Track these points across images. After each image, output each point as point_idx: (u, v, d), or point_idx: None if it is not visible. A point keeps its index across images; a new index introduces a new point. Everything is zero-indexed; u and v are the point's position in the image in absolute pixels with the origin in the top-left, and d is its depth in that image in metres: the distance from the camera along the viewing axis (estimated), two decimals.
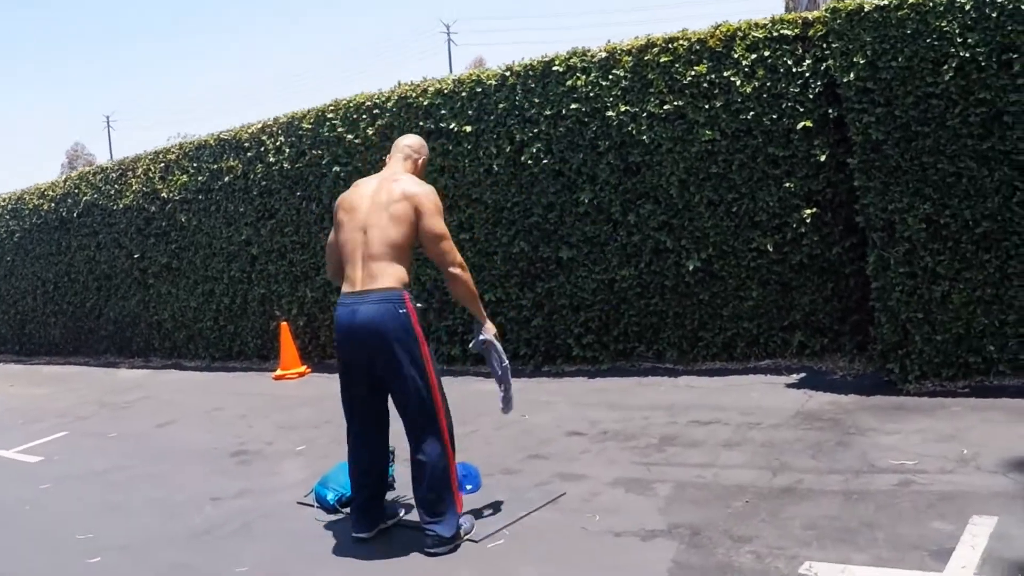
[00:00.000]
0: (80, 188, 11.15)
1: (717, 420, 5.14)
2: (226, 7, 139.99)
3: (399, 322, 3.69)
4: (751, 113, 5.80)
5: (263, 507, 4.65)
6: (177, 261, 10.04)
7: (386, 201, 3.83)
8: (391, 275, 3.74)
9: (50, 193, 11.69)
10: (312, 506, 4.50)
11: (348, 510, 4.21)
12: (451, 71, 8.25)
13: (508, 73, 6.83)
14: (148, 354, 10.92)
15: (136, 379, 9.81)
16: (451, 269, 3.89)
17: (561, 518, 3.99)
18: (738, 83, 5.81)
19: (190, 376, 9.51)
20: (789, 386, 5.66)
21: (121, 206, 10.51)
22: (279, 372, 8.46)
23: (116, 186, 10.57)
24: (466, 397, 6.46)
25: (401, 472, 4.72)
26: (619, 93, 6.26)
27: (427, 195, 3.86)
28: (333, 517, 4.32)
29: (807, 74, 5.64)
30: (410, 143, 4.30)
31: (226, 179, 9.16)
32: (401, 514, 4.18)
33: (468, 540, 3.81)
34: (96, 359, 11.63)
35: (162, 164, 9.95)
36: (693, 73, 5.95)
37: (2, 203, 12.73)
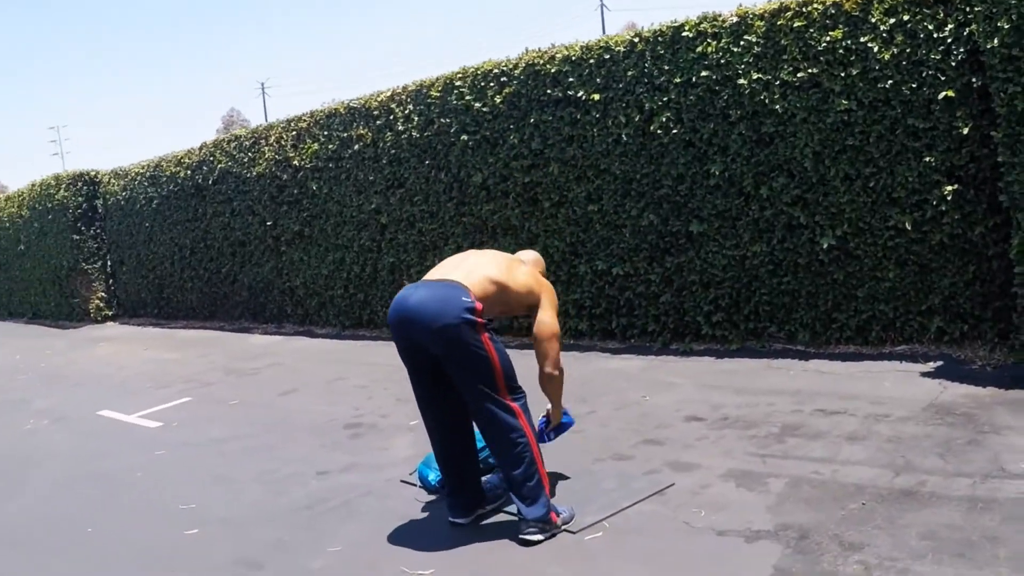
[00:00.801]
0: (215, 156, 12.21)
1: (844, 410, 5.31)
2: None
3: (456, 307, 3.91)
4: (889, 82, 5.95)
5: (367, 484, 5.10)
6: (309, 229, 10.92)
7: (508, 262, 4.28)
8: (470, 283, 4.03)
9: (186, 160, 12.83)
10: (415, 485, 4.91)
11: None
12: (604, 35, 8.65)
13: (637, 39, 7.17)
14: (281, 320, 11.92)
15: (266, 345, 10.76)
16: (549, 370, 4.24)
17: (665, 511, 4.18)
18: (876, 49, 5.97)
19: (319, 344, 10.37)
20: (924, 375, 5.79)
21: (255, 174, 11.48)
22: None
23: (250, 154, 11.55)
24: (589, 375, 6.95)
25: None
26: (751, 60, 6.52)
27: (550, 290, 4.34)
28: (434, 498, 4.72)
29: (949, 40, 5.74)
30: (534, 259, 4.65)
31: (356, 147, 9.91)
32: (503, 498, 4.49)
33: (566, 531, 4.06)
34: (231, 324, 12.75)
35: (294, 132, 10.81)
36: (828, 39, 6.15)
37: (141, 170, 14.03)
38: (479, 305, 3.93)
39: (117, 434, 7.30)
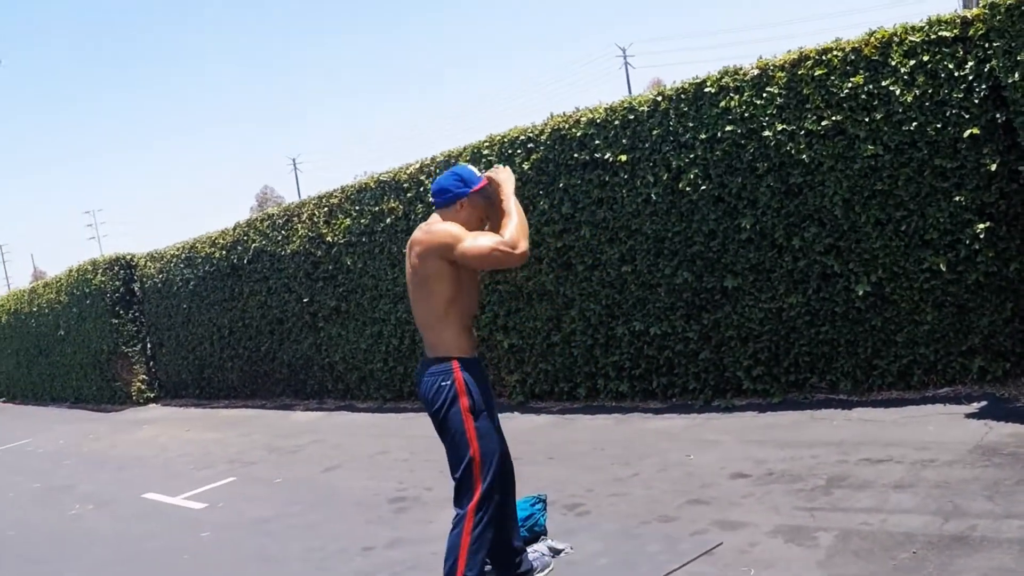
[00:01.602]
0: (249, 235, 12.51)
1: (889, 457, 5.35)
2: (404, 47, 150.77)
3: (444, 394, 4.01)
4: (914, 123, 6.05)
5: (413, 558, 5.19)
6: (345, 304, 11.11)
7: (410, 273, 4.12)
8: (440, 344, 4.08)
9: (221, 241, 13.15)
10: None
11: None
12: (630, 93, 8.89)
13: (660, 98, 7.34)
14: (322, 396, 12.08)
15: (309, 422, 10.90)
16: (515, 251, 3.96)
17: (714, 572, 4.25)
18: (898, 92, 6.08)
19: (361, 418, 10.50)
20: (968, 416, 5.81)
21: (289, 251, 11.74)
22: None
23: (283, 232, 11.82)
24: (632, 437, 7.03)
25: (558, 520, 5.32)
26: (774, 111, 6.65)
27: (438, 231, 4.03)
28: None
29: (970, 77, 5.84)
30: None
31: (388, 220, 10.12)
32: (536, 570, 4.52)
33: None
34: (272, 401, 12.94)
35: (326, 208, 11.06)
36: (850, 85, 6.27)
37: (176, 252, 14.39)
38: (458, 375, 4.03)
39: (162, 516, 7.45)
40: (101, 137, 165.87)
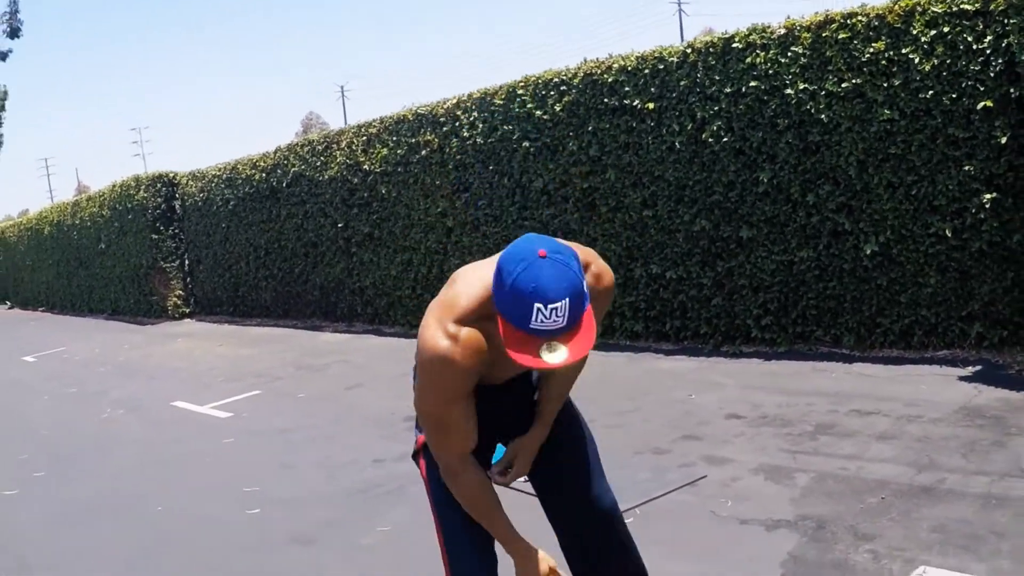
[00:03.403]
0: (289, 159, 13.02)
1: (878, 411, 5.68)
2: None
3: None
4: (930, 92, 6.33)
5: (418, 472, 5.80)
6: (378, 231, 11.62)
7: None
8: None
9: (261, 164, 13.67)
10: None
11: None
12: (682, 40, 9.19)
13: (689, 50, 7.66)
14: (352, 319, 12.66)
15: (336, 343, 11.50)
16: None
17: (695, 501, 4.61)
18: (917, 60, 6.36)
19: (387, 342, 11.05)
20: (961, 379, 6.12)
21: (326, 177, 12.24)
22: None
23: (322, 158, 12.31)
24: (640, 375, 7.47)
25: None
26: (797, 70, 6.95)
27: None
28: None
29: (988, 51, 6.09)
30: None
31: (423, 152, 10.56)
32: None
33: None
34: (303, 322, 13.57)
35: (364, 137, 11.52)
36: (871, 50, 6.55)
37: (218, 172, 14.94)
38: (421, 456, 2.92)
39: (188, 423, 8.09)
40: (151, 55, 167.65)
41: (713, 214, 7.71)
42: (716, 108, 7.50)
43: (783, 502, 4.44)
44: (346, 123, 12.04)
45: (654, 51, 7.98)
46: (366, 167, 11.51)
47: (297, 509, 5.40)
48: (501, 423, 2.78)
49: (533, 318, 2.14)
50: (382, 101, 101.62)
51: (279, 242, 13.70)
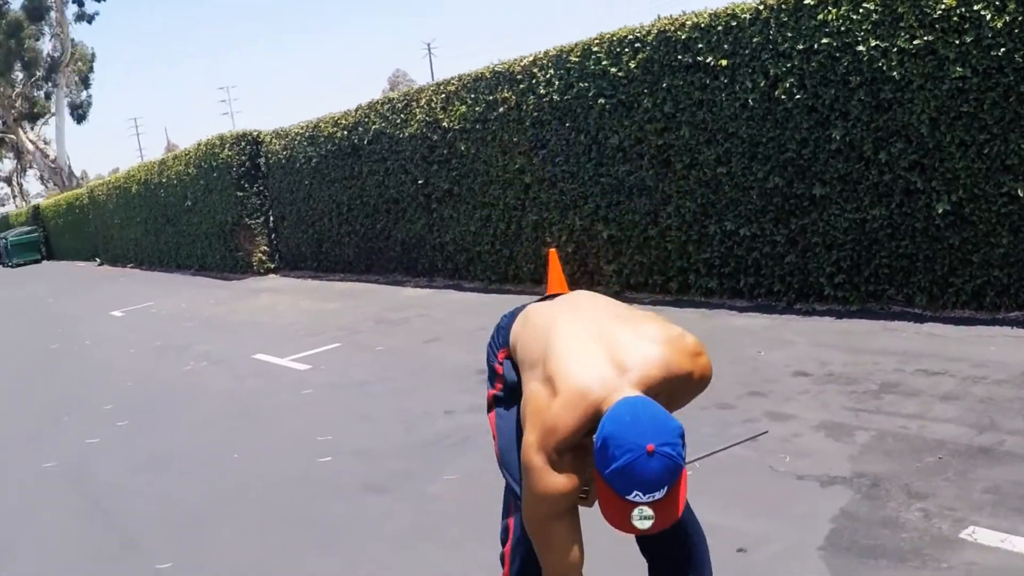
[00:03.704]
0: (370, 117, 13.46)
1: (945, 371, 5.82)
2: None
3: None
4: (1002, 49, 6.39)
5: (488, 423, 6.18)
6: (457, 187, 12.01)
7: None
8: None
9: (343, 121, 14.15)
10: None
11: None
12: None
13: (762, 7, 7.79)
14: (432, 274, 13.12)
15: (417, 297, 12.00)
16: None
17: (754, 456, 4.82)
18: (988, 17, 6.42)
19: (467, 297, 11.49)
20: None
21: (407, 135, 12.65)
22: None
23: (402, 115, 12.72)
24: (712, 331, 7.69)
25: None
26: (869, 27, 7.06)
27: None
28: None
29: None
30: None
31: (501, 110, 10.87)
32: None
33: None
34: (385, 277, 14.10)
35: (443, 95, 11.88)
36: (943, 7, 6.61)
37: (300, 130, 15.47)
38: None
39: (269, 375, 8.65)
40: (238, 14, 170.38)
41: (786, 171, 7.89)
42: (789, 65, 7.65)
43: (841, 459, 4.62)
44: (433, 81, 12.49)
45: (727, 8, 8.14)
46: (445, 124, 11.88)
47: (367, 458, 5.84)
48: None
49: (630, 495, 2.30)
50: (468, 60, 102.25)
51: (361, 198, 14.21)
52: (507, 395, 3.00)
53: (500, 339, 3.08)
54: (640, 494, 2.29)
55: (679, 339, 2.71)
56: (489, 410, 3.09)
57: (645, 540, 2.97)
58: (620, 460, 2.28)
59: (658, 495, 2.30)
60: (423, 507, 4.97)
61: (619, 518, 2.35)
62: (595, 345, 2.63)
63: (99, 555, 5.05)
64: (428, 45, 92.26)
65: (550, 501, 2.55)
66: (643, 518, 2.33)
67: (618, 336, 2.66)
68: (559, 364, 2.61)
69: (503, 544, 3.14)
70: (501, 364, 3.02)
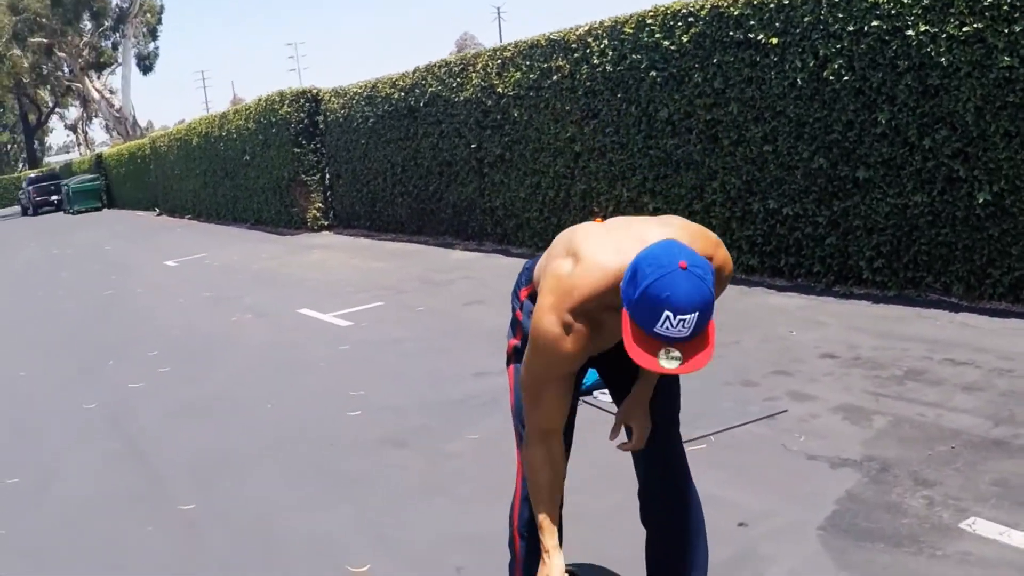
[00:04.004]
0: (426, 80, 13.74)
1: (972, 362, 5.91)
2: None
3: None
4: None
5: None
6: (509, 153, 12.27)
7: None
8: None
9: (400, 83, 14.45)
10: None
11: (599, 394, 5.77)
12: None
13: None
14: (482, 238, 13.42)
15: (464, 260, 12.34)
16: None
17: (769, 434, 4.96)
18: None
19: (513, 262, 11.66)
20: None
21: (462, 98, 12.92)
22: None
23: (458, 79, 12.97)
24: (748, 309, 7.89)
25: None
26: (919, 12, 7.12)
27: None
28: (586, 397, 5.75)
29: None
30: None
31: (555, 78, 11.07)
32: None
33: None
34: (435, 239, 14.45)
35: (499, 61, 12.10)
36: None
37: (359, 90, 15.81)
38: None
39: (309, 329, 9.07)
40: None
41: (831, 152, 8.02)
42: (838, 46, 7.75)
43: (854, 442, 4.75)
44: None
45: None
46: (500, 90, 12.12)
47: (396, 414, 6.16)
48: (602, 358, 2.93)
49: (659, 323, 2.27)
50: (536, 25, 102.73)
51: (415, 160, 14.52)
52: (525, 347, 2.87)
53: (524, 279, 3.06)
54: (670, 316, 2.26)
55: (701, 229, 2.76)
56: (508, 363, 3.08)
57: (648, 507, 3.18)
58: (650, 276, 2.28)
59: (687, 321, 2.27)
60: (438, 463, 5.28)
61: (647, 357, 2.33)
62: (620, 231, 2.69)
63: (127, 492, 5.47)
64: (498, 9, 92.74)
65: (552, 362, 2.63)
66: (671, 358, 2.33)
67: (643, 224, 2.74)
68: (583, 243, 2.66)
69: (510, 527, 3.21)
70: (521, 308, 3.01)
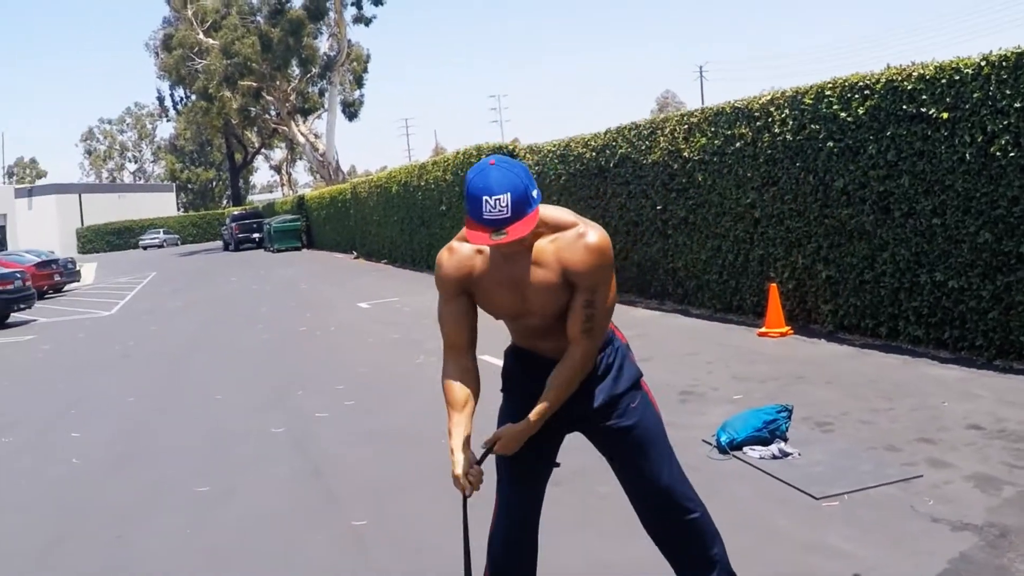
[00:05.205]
0: (617, 141, 14.91)
1: None
2: None
3: None
4: None
5: (675, 440, 7.22)
6: (693, 216, 13.24)
7: None
8: None
9: (592, 143, 15.68)
10: (711, 445, 6.81)
11: (748, 450, 6.55)
12: None
13: (984, 62, 8.57)
14: (663, 297, 14.38)
15: (644, 318, 13.28)
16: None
17: (901, 496, 5.40)
18: None
19: (690, 322, 12.63)
20: None
21: (650, 161, 14.01)
22: (763, 329, 11.17)
23: (647, 142, 14.08)
24: (907, 379, 8.45)
25: (804, 432, 7.15)
26: None
27: None
28: (723, 458, 6.44)
29: None
30: None
31: (737, 144, 12.01)
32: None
33: (810, 495, 5.51)
34: (619, 297, 15.42)
35: (686, 126, 13.15)
36: None
37: (552, 148, 17.13)
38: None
39: (489, 373, 10.02)
40: (511, 23, 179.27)
41: (996, 227, 8.63)
42: (1006, 122, 8.39)
43: (980, 508, 5.13)
44: (703, 104, 13.84)
45: (951, 62, 8.94)
46: (686, 154, 13.15)
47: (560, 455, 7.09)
48: (530, 407, 3.51)
49: (483, 209, 2.99)
50: (739, 84, 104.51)
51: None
52: (503, 384, 4.04)
53: None
54: (488, 199, 2.99)
55: (596, 232, 3.62)
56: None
57: (646, 519, 3.78)
58: (470, 177, 3.06)
59: (503, 200, 3.00)
60: (591, 503, 5.93)
61: (482, 236, 3.04)
62: None
63: (304, 507, 6.51)
64: (700, 68, 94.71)
65: (440, 285, 3.54)
66: (499, 234, 3.03)
67: None
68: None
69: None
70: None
